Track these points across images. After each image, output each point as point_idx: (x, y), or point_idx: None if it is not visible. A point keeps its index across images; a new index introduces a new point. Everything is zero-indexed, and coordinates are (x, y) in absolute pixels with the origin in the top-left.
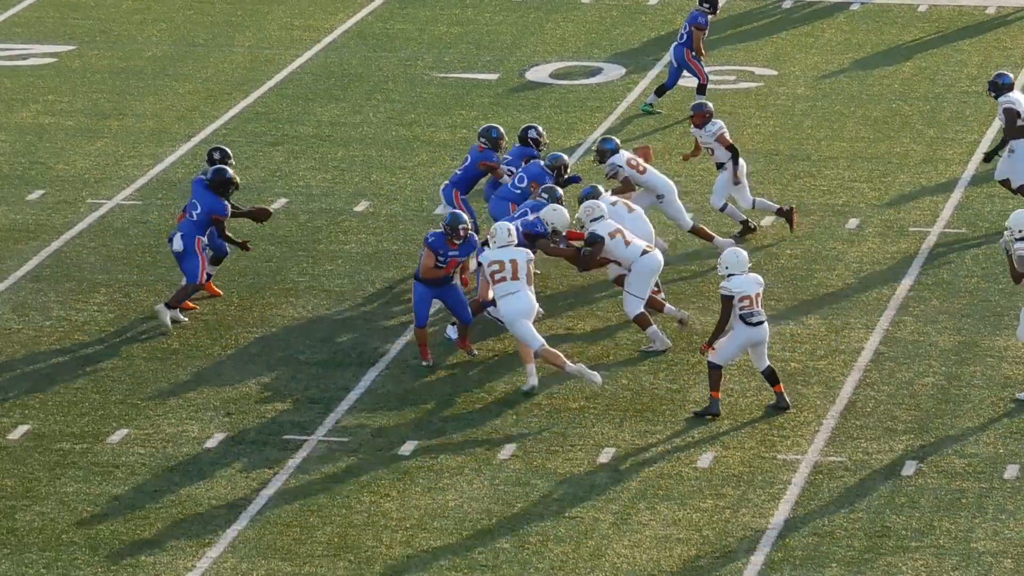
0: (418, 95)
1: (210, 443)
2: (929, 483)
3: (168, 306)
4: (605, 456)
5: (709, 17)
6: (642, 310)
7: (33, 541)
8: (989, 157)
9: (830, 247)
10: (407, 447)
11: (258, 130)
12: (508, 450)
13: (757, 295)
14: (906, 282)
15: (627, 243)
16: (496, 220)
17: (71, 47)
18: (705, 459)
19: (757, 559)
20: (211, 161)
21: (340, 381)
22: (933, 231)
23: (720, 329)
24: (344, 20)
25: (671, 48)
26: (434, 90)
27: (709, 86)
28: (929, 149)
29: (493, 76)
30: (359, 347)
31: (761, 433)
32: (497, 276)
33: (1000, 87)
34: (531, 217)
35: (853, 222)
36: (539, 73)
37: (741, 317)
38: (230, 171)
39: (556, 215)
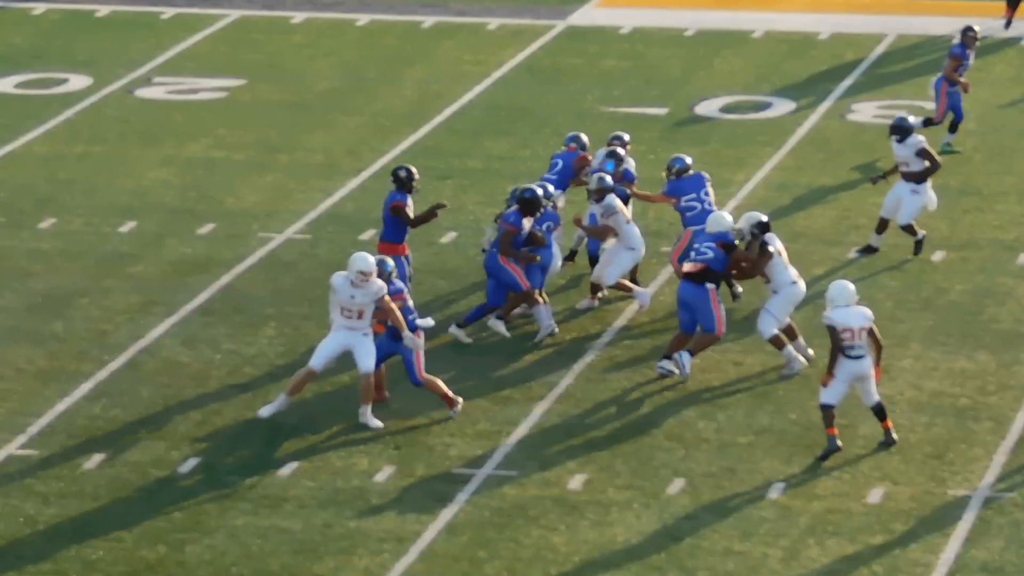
0: (587, 129)
1: (379, 476)
2: None
3: (500, 318)
4: (774, 491)
5: (968, 50)
6: (777, 332)
7: (202, 574)
8: (876, 180)
9: (1000, 282)
10: (575, 481)
11: (427, 164)
12: (676, 485)
13: (861, 328)
14: None
15: (785, 266)
16: None
17: (241, 81)
18: (875, 494)
19: None
20: (396, 180)
21: (508, 415)
22: None
23: (834, 359)
24: (513, 55)
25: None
26: (603, 124)
27: (882, 121)
28: None
29: (662, 110)
30: (527, 381)
31: (931, 468)
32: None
33: (905, 130)
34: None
35: None
36: (708, 107)
37: (841, 350)
38: (534, 189)
39: (728, 220)
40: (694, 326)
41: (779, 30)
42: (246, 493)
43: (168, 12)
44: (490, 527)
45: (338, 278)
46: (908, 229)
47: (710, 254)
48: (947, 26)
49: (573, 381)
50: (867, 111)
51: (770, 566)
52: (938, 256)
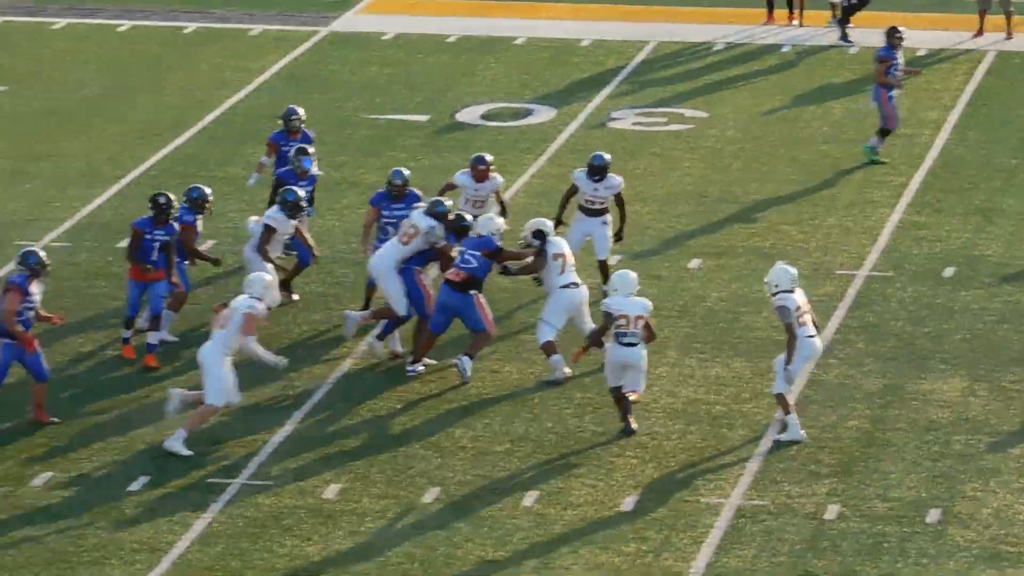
0: (348, 137)
1: (134, 486)
2: (852, 527)
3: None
4: (529, 499)
5: (895, 51)
6: (551, 339)
7: None
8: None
9: (756, 290)
10: (330, 490)
11: (188, 171)
12: (432, 493)
13: (637, 317)
14: (832, 325)
15: (562, 270)
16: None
17: (2, 88)
18: (628, 502)
19: None
20: (155, 206)
21: (264, 424)
22: (859, 274)
23: (594, 340)
24: (275, 62)
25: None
26: (364, 132)
27: (641, 128)
28: (857, 192)
29: (424, 117)
30: (282, 391)
31: (685, 476)
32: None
33: (604, 170)
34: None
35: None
36: (470, 114)
37: (616, 335)
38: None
39: (497, 223)
40: (446, 328)
41: (541, 37)
42: None
43: None
44: (244, 537)
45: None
46: (604, 265)
47: (474, 263)
48: (707, 34)
49: (330, 390)
50: (628, 118)
51: (523, 574)
52: (695, 264)
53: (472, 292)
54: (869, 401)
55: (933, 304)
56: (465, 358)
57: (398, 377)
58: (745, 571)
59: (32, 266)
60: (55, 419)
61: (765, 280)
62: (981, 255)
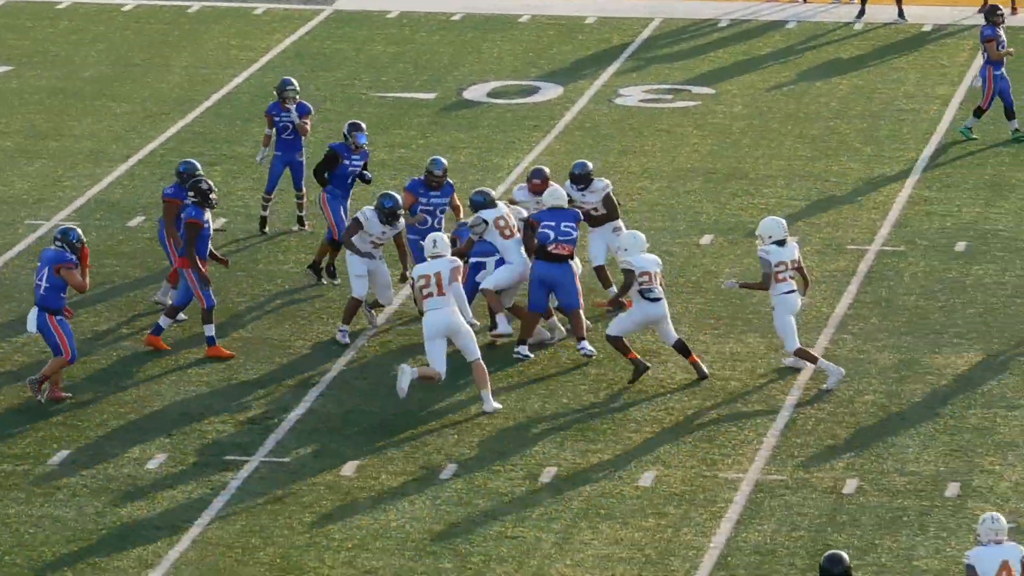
0: (356, 115)
1: (151, 464)
2: (870, 501)
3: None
4: (547, 475)
5: (997, 28)
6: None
7: None
8: None
9: None
10: (348, 468)
11: (196, 150)
12: (450, 470)
13: (656, 273)
14: (845, 300)
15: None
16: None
17: (7, 68)
18: (646, 478)
19: None
20: (198, 192)
21: (281, 402)
22: (871, 249)
23: (616, 299)
24: (281, 40)
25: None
26: (372, 110)
27: (648, 104)
28: (866, 167)
29: (430, 95)
30: (299, 367)
31: (702, 452)
32: (425, 291)
33: (587, 178)
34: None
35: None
36: (477, 92)
37: (640, 292)
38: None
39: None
40: (547, 303)
41: (546, 15)
42: (19, 482)
43: None
44: (264, 514)
45: None
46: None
47: (573, 234)
48: (712, 10)
49: (345, 367)
50: (634, 95)
51: (543, 550)
52: (706, 240)
53: (572, 262)
54: (884, 376)
55: (945, 278)
56: (586, 342)
57: (413, 354)
58: (765, 546)
59: (73, 243)
60: (68, 394)
61: (756, 232)
62: (992, 229)
